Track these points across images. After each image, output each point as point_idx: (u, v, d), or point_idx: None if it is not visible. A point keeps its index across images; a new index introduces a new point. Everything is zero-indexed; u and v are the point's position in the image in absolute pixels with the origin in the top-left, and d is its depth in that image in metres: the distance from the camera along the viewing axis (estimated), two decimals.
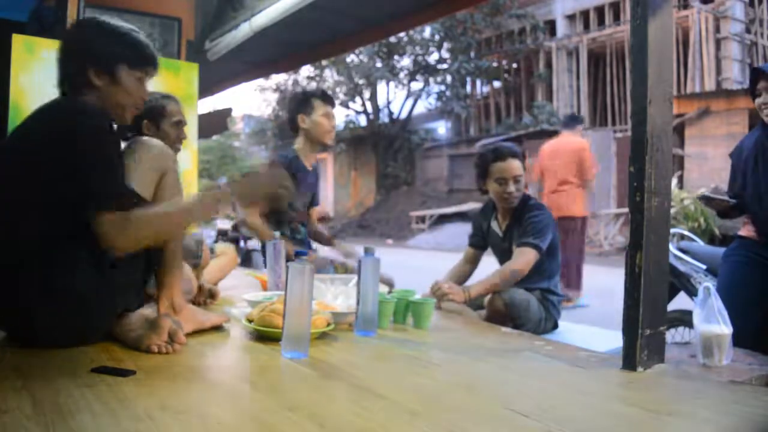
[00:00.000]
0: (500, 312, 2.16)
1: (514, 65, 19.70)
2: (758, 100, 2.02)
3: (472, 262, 2.59)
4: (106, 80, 1.49)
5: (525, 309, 2.19)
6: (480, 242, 2.57)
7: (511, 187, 2.34)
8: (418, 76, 19.83)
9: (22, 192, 1.40)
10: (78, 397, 1.05)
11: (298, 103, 2.86)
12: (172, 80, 3.17)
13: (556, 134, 6.31)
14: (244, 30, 3.64)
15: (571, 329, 2.44)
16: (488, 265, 2.48)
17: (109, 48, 1.49)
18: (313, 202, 3.05)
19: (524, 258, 2.22)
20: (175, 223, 1.49)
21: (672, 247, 2.61)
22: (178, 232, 1.60)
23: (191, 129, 3.24)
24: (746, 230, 2.16)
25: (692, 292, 2.45)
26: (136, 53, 1.53)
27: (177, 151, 2.16)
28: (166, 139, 2.02)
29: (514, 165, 2.34)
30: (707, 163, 11.62)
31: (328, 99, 2.86)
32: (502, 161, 2.35)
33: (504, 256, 2.44)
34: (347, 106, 20.95)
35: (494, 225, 2.50)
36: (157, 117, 2.11)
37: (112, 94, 1.50)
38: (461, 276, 2.55)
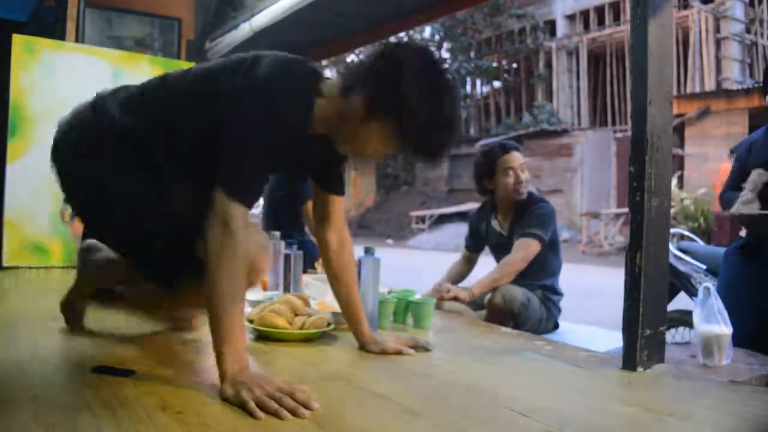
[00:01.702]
0: (500, 308, 2.14)
1: (514, 65, 19.72)
2: None
3: (470, 263, 2.60)
4: (364, 114, 1.15)
5: (525, 306, 2.16)
6: (475, 245, 2.58)
7: (521, 176, 2.37)
8: None
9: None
10: (78, 397, 1.05)
11: None
12: None
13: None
14: (244, 30, 3.64)
15: (571, 329, 2.44)
16: (486, 265, 2.48)
17: (412, 98, 1.12)
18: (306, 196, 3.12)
19: (525, 249, 2.21)
20: (220, 295, 1.10)
21: (672, 247, 2.61)
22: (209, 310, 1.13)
23: None
24: (747, 231, 2.16)
25: (692, 292, 2.44)
26: (427, 134, 1.16)
27: None
28: None
29: (519, 156, 2.39)
30: (707, 163, 11.63)
31: None
32: (507, 153, 2.39)
33: (507, 254, 2.42)
34: None
35: (495, 224, 2.49)
36: None
37: (351, 126, 1.18)
38: (459, 276, 2.55)
